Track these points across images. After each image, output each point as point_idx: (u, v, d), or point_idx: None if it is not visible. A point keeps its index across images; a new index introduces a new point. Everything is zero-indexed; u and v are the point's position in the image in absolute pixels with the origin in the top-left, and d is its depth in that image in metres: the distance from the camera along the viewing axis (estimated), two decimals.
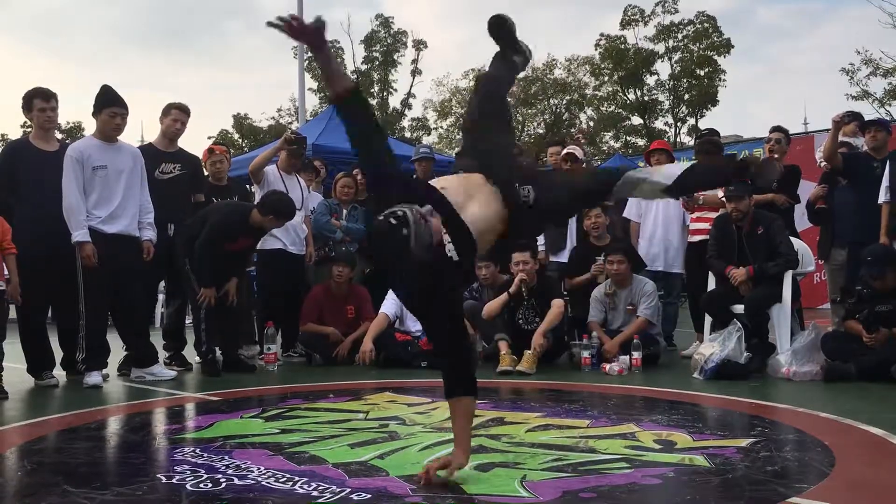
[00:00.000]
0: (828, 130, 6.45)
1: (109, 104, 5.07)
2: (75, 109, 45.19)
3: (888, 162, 5.75)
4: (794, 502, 2.31)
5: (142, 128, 30.99)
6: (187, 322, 6.23)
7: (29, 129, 6.69)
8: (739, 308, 5.45)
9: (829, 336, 5.20)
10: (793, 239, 5.65)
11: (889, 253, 5.02)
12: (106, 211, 5.01)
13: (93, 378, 4.95)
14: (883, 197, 5.64)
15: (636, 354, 5.43)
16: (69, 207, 4.89)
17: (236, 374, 5.50)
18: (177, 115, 5.84)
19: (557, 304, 5.69)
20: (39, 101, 5.15)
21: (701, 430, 3.39)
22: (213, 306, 5.50)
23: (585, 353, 5.56)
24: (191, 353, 5.90)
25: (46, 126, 5.25)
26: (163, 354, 5.78)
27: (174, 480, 2.64)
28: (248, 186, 7.10)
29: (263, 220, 5.47)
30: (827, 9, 48.96)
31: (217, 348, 5.70)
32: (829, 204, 6.32)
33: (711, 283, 5.87)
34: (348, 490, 2.47)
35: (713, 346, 5.03)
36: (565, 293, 6.25)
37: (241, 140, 35.16)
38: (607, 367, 5.35)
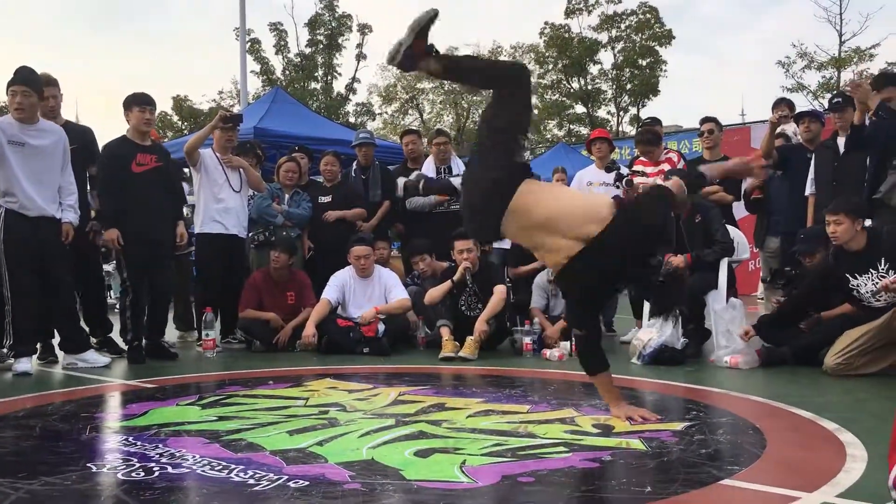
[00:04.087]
0: (764, 122, 6.60)
1: (9, 83, 4.87)
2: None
3: (813, 155, 5.90)
4: (727, 484, 2.37)
5: (76, 106, 29.98)
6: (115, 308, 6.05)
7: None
8: None
9: (764, 320, 5.31)
10: (729, 227, 5.76)
11: (822, 233, 5.15)
12: (22, 191, 4.83)
13: (22, 365, 4.80)
14: (809, 189, 5.79)
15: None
16: None
17: (159, 361, 5.39)
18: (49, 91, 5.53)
19: (500, 291, 5.70)
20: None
21: None
22: (119, 249, 5.37)
23: (527, 339, 5.60)
24: (120, 339, 5.74)
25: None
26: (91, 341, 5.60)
27: (105, 469, 2.57)
28: (185, 169, 6.92)
29: (131, 120, 5.46)
30: (766, 2, 50.12)
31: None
32: (765, 194, 6.47)
33: None
34: (286, 477, 2.44)
35: (651, 332, 5.11)
36: (508, 279, 6.27)
37: (180, 122, 34.37)
38: (548, 352, 5.39)
